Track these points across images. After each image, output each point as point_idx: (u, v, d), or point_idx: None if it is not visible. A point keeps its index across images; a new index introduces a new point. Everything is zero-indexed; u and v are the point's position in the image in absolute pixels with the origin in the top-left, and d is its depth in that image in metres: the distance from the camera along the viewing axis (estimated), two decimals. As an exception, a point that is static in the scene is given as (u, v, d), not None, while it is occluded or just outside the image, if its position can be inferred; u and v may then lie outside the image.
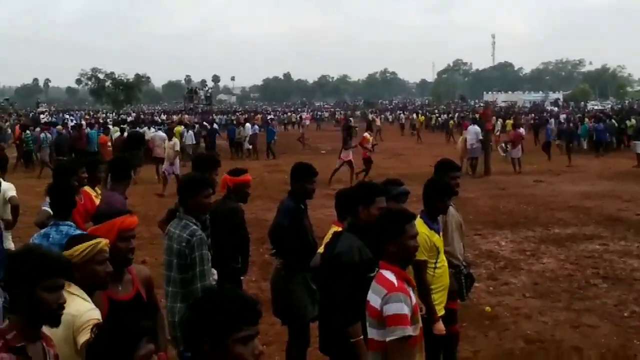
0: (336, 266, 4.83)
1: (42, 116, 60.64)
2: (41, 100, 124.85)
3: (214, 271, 5.60)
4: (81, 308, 3.34)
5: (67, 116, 63.60)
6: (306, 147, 37.13)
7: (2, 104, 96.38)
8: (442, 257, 5.49)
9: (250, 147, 32.38)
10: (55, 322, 2.94)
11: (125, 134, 25.98)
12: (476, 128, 23.82)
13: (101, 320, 3.29)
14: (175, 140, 20.53)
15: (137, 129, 30.00)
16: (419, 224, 5.08)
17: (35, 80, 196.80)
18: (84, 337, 3.16)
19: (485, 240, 12.64)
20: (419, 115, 56.12)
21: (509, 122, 38.64)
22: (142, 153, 22.68)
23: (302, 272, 6.05)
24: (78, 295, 3.36)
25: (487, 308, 8.65)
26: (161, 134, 25.41)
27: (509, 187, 19.79)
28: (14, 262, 2.99)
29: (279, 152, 32.57)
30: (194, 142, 29.34)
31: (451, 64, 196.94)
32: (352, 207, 5.22)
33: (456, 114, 58.44)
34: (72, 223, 5.45)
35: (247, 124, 34.32)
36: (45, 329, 2.99)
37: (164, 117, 60.00)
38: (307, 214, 6.35)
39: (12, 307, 2.99)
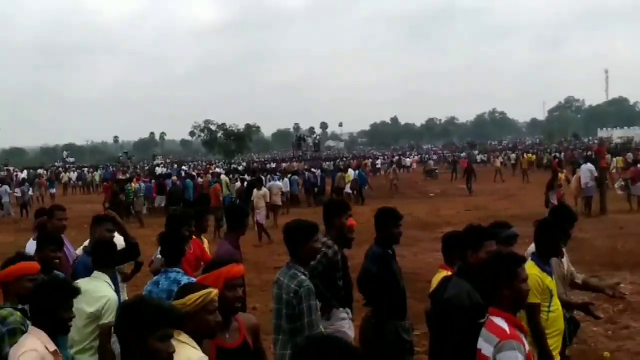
0: (446, 311, 4.74)
1: (157, 168, 63.26)
2: (157, 153, 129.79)
3: (348, 310, 5.60)
4: (192, 356, 3.39)
5: (184, 167, 65.89)
6: (394, 189, 38.23)
7: (121, 157, 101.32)
8: (556, 300, 5.26)
9: (352, 192, 32.12)
10: None
11: (240, 183, 26.85)
12: (590, 166, 22.95)
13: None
14: (265, 190, 21.36)
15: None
16: (530, 266, 4.95)
17: (152, 134, 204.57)
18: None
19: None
20: (527, 155, 54.76)
21: (619, 159, 37.41)
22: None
23: (393, 320, 5.85)
24: (187, 344, 3.41)
25: (606, 353, 8.27)
26: (278, 183, 26.29)
27: (627, 226, 18.89)
28: (127, 312, 3.09)
29: (387, 196, 32.52)
30: (289, 188, 29.96)
31: (562, 101, 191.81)
32: (460, 250, 5.12)
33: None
34: (180, 269, 5.60)
35: (350, 170, 34.30)
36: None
37: (273, 165, 61.26)
38: (396, 259, 6.13)
39: (124, 355, 3.10)
